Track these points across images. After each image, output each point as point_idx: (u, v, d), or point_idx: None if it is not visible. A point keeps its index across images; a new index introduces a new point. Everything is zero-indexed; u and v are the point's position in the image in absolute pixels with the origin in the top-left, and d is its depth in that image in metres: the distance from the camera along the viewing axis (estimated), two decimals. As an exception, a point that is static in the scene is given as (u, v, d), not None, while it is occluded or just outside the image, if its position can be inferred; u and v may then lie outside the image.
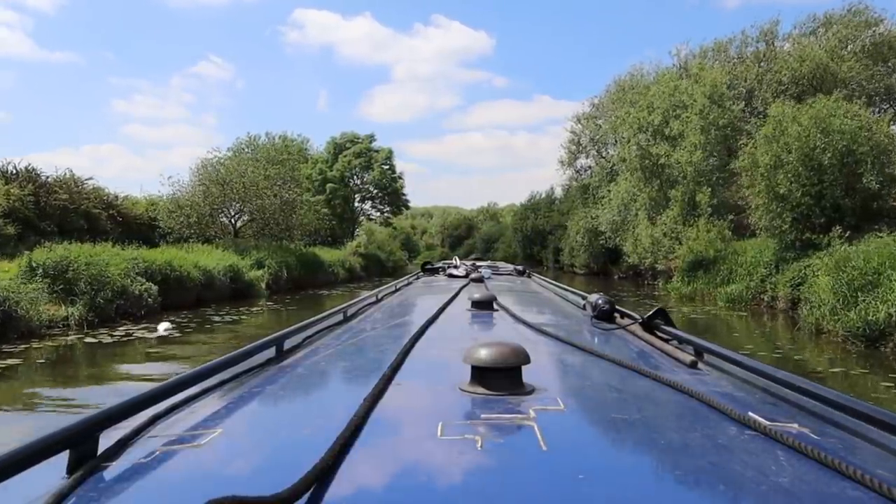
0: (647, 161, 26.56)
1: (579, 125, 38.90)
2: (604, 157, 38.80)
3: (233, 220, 25.99)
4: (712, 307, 18.16)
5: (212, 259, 18.93)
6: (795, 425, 1.06)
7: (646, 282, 29.82)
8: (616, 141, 38.26)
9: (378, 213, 43.36)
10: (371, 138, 41.66)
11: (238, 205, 25.65)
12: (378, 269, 38.15)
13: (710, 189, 22.09)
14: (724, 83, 24.33)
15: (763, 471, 0.84)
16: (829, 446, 0.96)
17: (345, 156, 39.44)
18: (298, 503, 0.72)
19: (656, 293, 23.35)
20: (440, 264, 6.34)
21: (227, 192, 24.98)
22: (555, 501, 0.75)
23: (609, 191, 32.38)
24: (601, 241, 34.98)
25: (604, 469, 0.89)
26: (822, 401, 1.14)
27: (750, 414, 1.05)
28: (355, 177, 40.59)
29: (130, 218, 27.56)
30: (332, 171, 38.77)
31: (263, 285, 21.46)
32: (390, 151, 41.64)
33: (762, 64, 28.83)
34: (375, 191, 41.74)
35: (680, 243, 22.42)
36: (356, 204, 42.28)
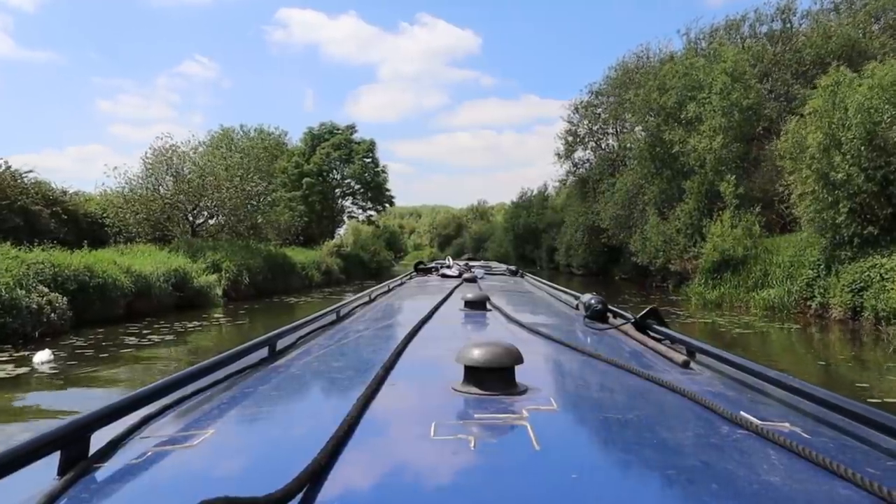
0: (657, 149, 23.72)
1: (576, 115, 36.01)
2: (603, 149, 35.99)
3: (189, 217, 22.73)
4: (746, 316, 15.34)
5: (151, 262, 15.86)
6: (787, 424, 1.06)
7: (654, 284, 27.01)
8: (617, 131, 35.50)
9: (360, 211, 39.96)
10: (352, 129, 38.09)
11: (194, 198, 22.47)
12: (361, 272, 35.10)
13: (734, 177, 19.24)
14: (746, 60, 21.53)
15: (754, 470, 0.83)
16: (820, 445, 0.95)
17: (322, 148, 35.97)
18: (291, 503, 0.71)
19: (673, 298, 20.50)
20: (433, 264, 6.18)
21: (181, 183, 21.84)
22: (548, 501, 0.74)
23: (614, 183, 29.54)
24: (602, 239, 32.18)
25: (597, 469, 0.88)
26: (814, 400, 1.14)
27: (742, 413, 1.04)
28: (335, 171, 37.16)
29: (79, 216, 24.55)
30: (308, 164, 35.37)
31: (219, 292, 18.43)
32: (372, 143, 38.03)
33: (778, 44, 26.19)
34: (357, 186, 38.32)
35: (703, 239, 19.51)
36: (338, 200, 38.95)
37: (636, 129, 27.52)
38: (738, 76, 20.88)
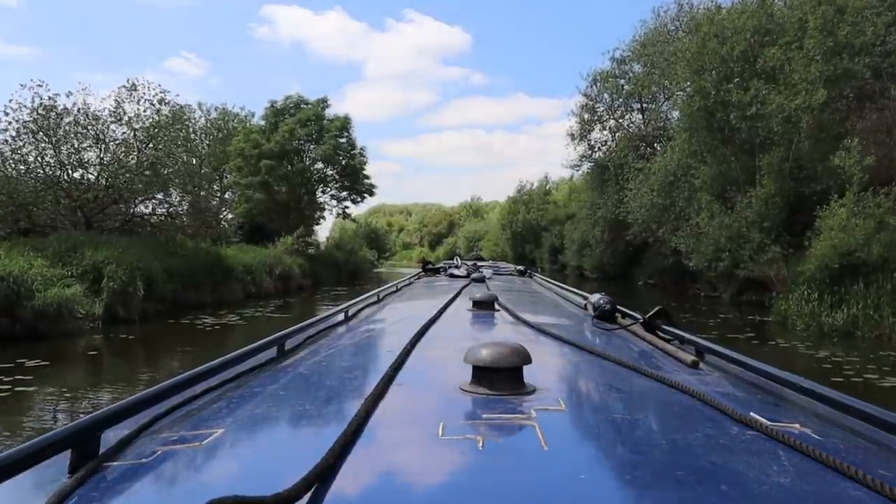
0: (718, 115, 17.78)
1: (594, 88, 30.00)
2: (626, 128, 30.03)
3: (77, 201, 16.40)
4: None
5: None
6: (797, 425, 1.04)
7: (701, 293, 21.16)
8: (643, 105, 29.58)
9: (335, 202, 33.64)
10: (323, 104, 31.70)
11: (79, 172, 16.21)
12: (333, 275, 28.95)
13: (857, 142, 13.30)
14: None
15: (765, 471, 0.82)
16: (830, 446, 0.94)
17: (286, 124, 29.69)
18: (299, 503, 0.71)
19: (753, 318, 14.52)
20: (441, 264, 6.23)
21: (61, 146, 15.60)
22: (556, 501, 0.73)
23: (644, 167, 23.58)
24: (627, 237, 26.28)
25: (605, 469, 0.88)
26: (824, 401, 1.12)
27: (751, 414, 1.03)
28: (303, 153, 30.93)
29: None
30: (269, 143, 29.08)
31: (99, 310, 12.33)
32: (346, 119, 31.22)
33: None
34: (329, 171, 32.07)
35: (810, 231, 13.53)
36: (318, 192, 32.61)
37: (681, 91, 21.57)
38: (842, 6, 15.01)
